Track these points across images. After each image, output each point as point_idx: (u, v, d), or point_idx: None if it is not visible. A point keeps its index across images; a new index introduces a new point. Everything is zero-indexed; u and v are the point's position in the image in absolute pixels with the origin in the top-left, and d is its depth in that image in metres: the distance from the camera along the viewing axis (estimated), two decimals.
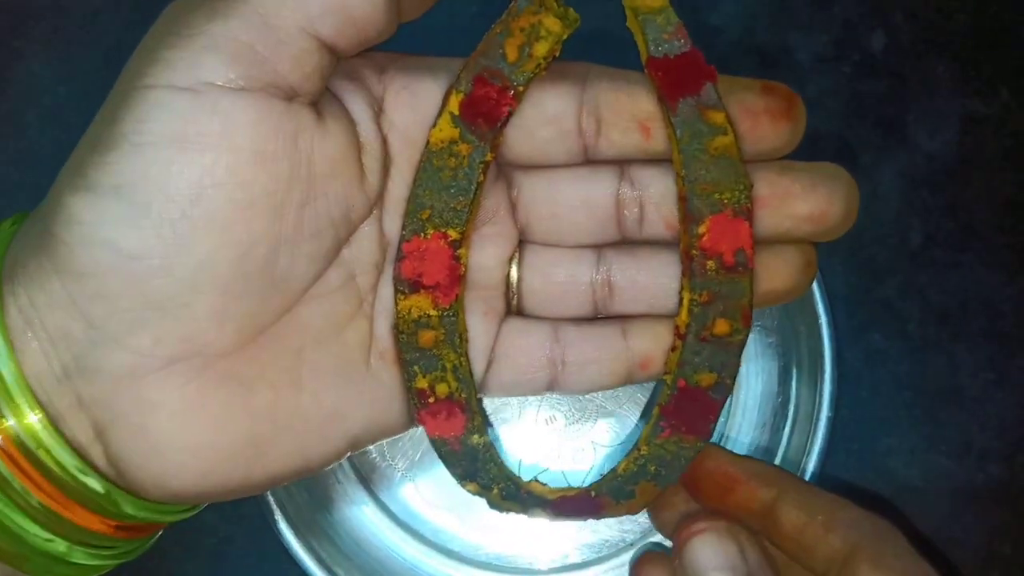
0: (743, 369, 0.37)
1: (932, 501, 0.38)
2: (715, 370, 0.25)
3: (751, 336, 0.37)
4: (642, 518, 0.36)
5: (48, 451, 0.22)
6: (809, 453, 0.35)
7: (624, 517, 0.36)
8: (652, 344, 0.26)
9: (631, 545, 0.37)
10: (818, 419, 0.35)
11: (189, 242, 0.21)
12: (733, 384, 0.25)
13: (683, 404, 0.25)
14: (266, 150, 0.22)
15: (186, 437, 0.22)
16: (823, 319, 0.36)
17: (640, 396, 0.37)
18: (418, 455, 0.37)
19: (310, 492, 0.37)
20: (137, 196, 0.21)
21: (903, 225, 0.40)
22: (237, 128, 0.21)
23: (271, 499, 0.35)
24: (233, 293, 0.22)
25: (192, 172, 0.21)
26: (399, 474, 0.37)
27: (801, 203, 0.24)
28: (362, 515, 0.37)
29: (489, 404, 0.37)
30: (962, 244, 0.40)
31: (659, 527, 0.28)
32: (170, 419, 0.22)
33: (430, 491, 0.37)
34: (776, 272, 0.25)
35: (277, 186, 0.22)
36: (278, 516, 0.35)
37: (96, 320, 0.21)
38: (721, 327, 0.25)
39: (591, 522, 0.37)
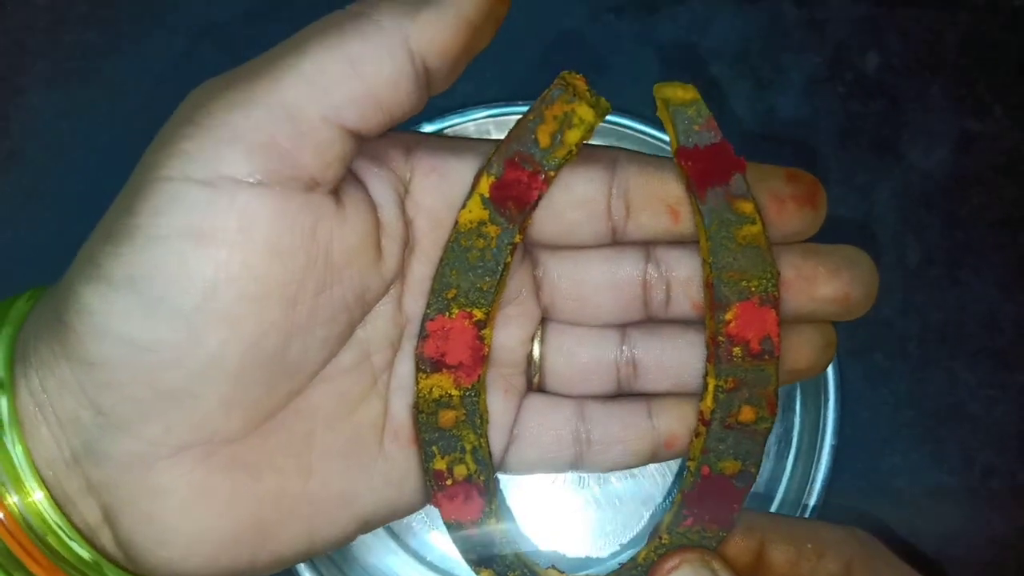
0: None
1: (935, 519, 0.38)
2: (739, 458, 0.25)
3: None
4: None
5: (47, 525, 0.22)
6: (813, 481, 0.35)
7: (629, 545, 0.36)
8: (678, 423, 0.26)
9: None
10: (821, 448, 0.35)
11: (201, 335, 0.21)
12: (757, 473, 0.25)
13: (707, 492, 0.25)
14: (282, 245, 0.21)
15: (193, 523, 0.22)
16: None
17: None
18: None
19: None
20: (150, 289, 0.20)
21: (900, 244, 0.40)
22: (254, 224, 0.21)
23: None
24: (243, 383, 0.22)
25: (207, 267, 0.21)
26: (421, 513, 0.37)
27: (825, 286, 0.24)
28: (387, 559, 0.37)
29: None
30: (959, 261, 0.40)
31: None
32: (177, 506, 0.22)
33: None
34: (798, 353, 0.25)
35: (292, 277, 0.22)
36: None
37: (105, 408, 0.21)
38: (747, 414, 0.25)
39: (596, 549, 0.36)
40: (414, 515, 0.36)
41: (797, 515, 0.35)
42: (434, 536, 0.37)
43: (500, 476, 0.26)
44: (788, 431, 0.37)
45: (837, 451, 0.36)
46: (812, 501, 0.35)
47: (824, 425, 0.35)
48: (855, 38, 0.41)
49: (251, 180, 0.21)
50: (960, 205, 0.40)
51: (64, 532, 0.22)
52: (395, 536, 0.37)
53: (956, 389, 0.39)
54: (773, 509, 0.36)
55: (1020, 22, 0.41)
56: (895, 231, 0.40)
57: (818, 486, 0.35)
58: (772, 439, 0.37)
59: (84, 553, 0.22)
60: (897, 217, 0.40)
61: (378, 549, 0.37)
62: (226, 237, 0.21)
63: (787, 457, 0.37)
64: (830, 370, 0.36)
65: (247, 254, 0.21)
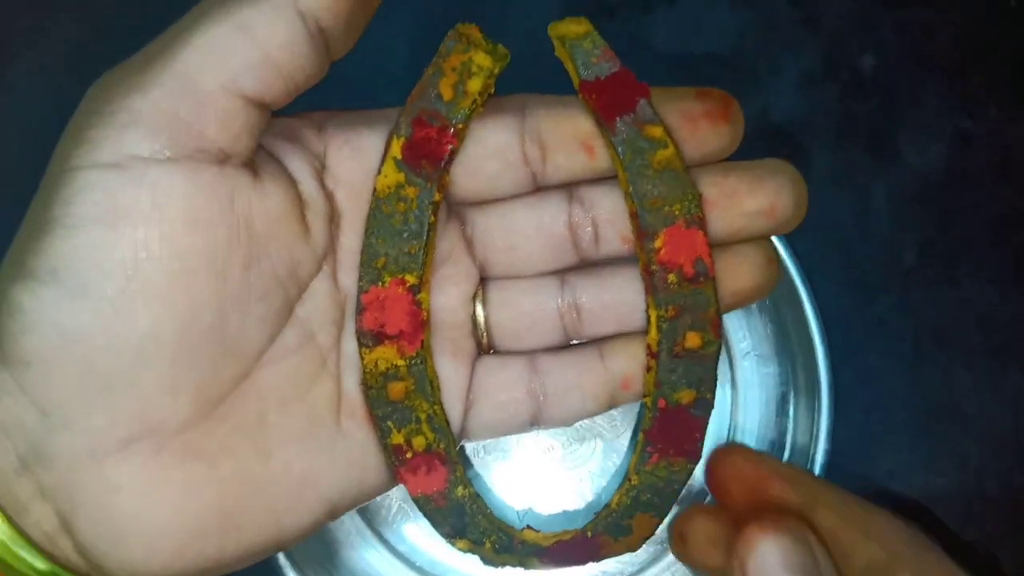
0: (740, 399, 0.37)
1: (930, 520, 0.38)
2: (693, 386, 0.25)
3: (748, 365, 0.37)
4: (642, 551, 0.36)
5: (2, 543, 0.21)
6: None
7: None
8: (631, 362, 0.26)
9: None
10: (815, 450, 0.35)
11: (130, 317, 0.21)
12: (713, 399, 0.25)
13: (666, 426, 0.25)
14: (200, 217, 0.21)
15: (151, 518, 0.22)
16: (819, 348, 0.35)
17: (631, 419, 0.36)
18: None
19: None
20: (73, 278, 0.20)
21: (895, 243, 0.40)
22: (168, 199, 0.21)
23: None
24: (183, 364, 0.22)
25: (125, 248, 0.20)
26: (398, 507, 0.37)
27: (749, 199, 0.24)
28: (367, 555, 0.37)
29: (475, 446, 0.37)
30: (955, 260, 0.40)
31: (682, 555, 0.26)
32: (133, 501, 0.21)
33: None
34: (739, 272, 0.25)
35: (216, 251, 0.21)
36: (283, 563, 0.35)
37: (47, 407, 0.21)
38: (692, 340, 0.24)
39: None
40: (404, 520, 0.37)
41: None
42: (425, 541, 0.37)
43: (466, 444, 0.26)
44: (782, 433, 0.37)
45: (831, 452, 0.35)
46: None
47: (818, 426, 0.35)
48: (850, 37, 0.41)
49: (159, 157, 0.21)
50: (956, 203, 0.40)
51: (16, 544, 0.21)
52: (384, 540, 0.37)
53: (951, 390, 0.39)
54: None
55: (1016, 20, 0.41)
56: (890, 230, 0.40)
57: None
58: (766, 442, 0.37)
59: (39, 564, 0.21)
60: (892, 216, 0.40)
61: (369, 554, 0.37)
62: (140, 215, 0.20)
63: (781, 459, 0.36)
64: (823, 370, 0.35)
65: (164, 229, 0.21)
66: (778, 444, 0.37)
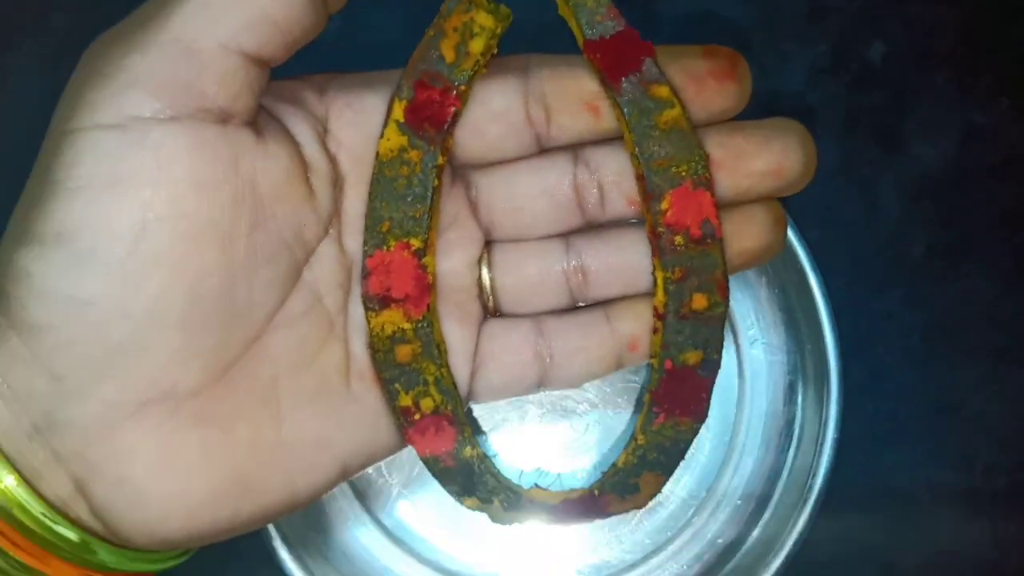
0: (748, 387, 0.37)
1: (937, 515, 0.38)
2: (700, 347, 0.25)
3: (756, 354, 0.37)
4: (646, 538, 0.36)
5: (22, 507, 0.21)
6: (814, 475, 0.34)
7: (626, 539, 0.36)
8: (637, 324, 0.26)
9: (632, 566, 0.36)
10: (823, 442, 0.35)
11: (139, 280, 0.21)
12: (720, 359, 0.25)
13: (673, 386, 0.25)
14: (205, 178, 0.21)
15: (167, 482, 0.22)
16: (829, 338, 0.35)
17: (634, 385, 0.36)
18: (415, 471, 0.37)
19: (305, 512, 0.36)
20: (80, 241, 0.20)
21: (904, 236, 0.39)
22: (172, 159, 0.21)
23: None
24: (193, 328, 0.22)
25: (132, 209, 0.20)
26: (396, 491, 0.37)
27: (757, 160, 0.24)
28: (361, 536, 0.37)
29: (483, 412, 0.36)
30: (964, 255, 0.39)
31: None
32: (148, 466, 0.22)
33: (429, 511, 0.37)
34: (746, 232, 0.25)
35: (222, 213, 0.21)
36: (275, 539, 0.34)
37: (59, 373, 0.21)
38: (699, 302, 0.24)
39: (591, 543, 0.36)
40: (400, 499, 0.36)
41: (800, 509, 0.35)
42: (419, 524, 0.36)
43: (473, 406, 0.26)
44: (790, 423, 0.36)
45: (839, 445, 0.35)
46: (812, 497, 0.34)
47: (826, 418, 0.35)
48: (860, 27, 0.40)
49: (161, 116, 0.20)
50: (965, 197, 0.39)
51: (45, 515, 0.21)
52: (377, 520, 0.37)
53: (959, 385, 0.38)
54: (773, 502, 0.35)
55: None
56: (898, 224, 0.39)
57: (819, 480, 0.34)
58: (773, 431, 0.37)
59: (70, 534, 0.22)
60: (900, 209, 0.39)
61: (361, 533, 0.36)
62: (146, 176, 0.20)
63: (788, 449, 0.36)
64: (832, 363, 0.35)
65: (170, 191, 0.21)
66: (786, 433, 0.36)
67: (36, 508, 0.21)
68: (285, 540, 0.34)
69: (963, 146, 0.40)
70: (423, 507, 0.36)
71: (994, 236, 0.39)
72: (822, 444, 0.35)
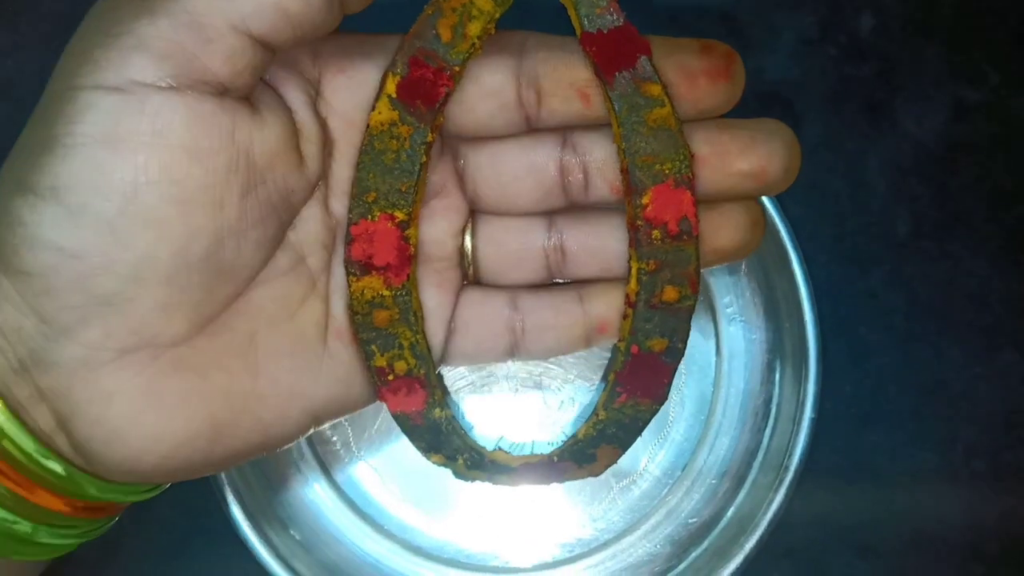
0: (725, 365, 0.36)
1: (917, 497, 0.37)
2: (666, 336, 0.25)
3: (735, 332, 0.36)
4: (619, 518, 0.36)
5: (11, 439, 0.22)
6: (791, 455, 0.34)
7: (600, 517, 0.36)
8: (608, 308, 0.26)
9: (605, 544, 0.36)
10: (800, 421, 0.34)
11: (127, 239, 0.21)
12: (684, 348, 0.26)
13: (637, 369, 0.26)
14: (200, 147, 0.22)
15: (144, 424, 0.23)
16: (808, 316, 0.35)
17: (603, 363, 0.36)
18: (385, 446, 0.36)
19: (269, 480, 0.36)
20: (73, 197, 0.21)
21: (890, 214, 0.39)
22: (168, 126, 0.21)
23: (228, 492, 0.34)
24: (178, 285, 0.22)
25: (125, 171, 0.21)
26: (359, 462, 0.36)
27: (741, 160, 0.24)
28: (323, 506, 0.36)
29: (454, 377, 0.37)
30: (950, 234, 0.39)
31: None
32: (127, 408, 0.22)
33: (396, 485, 0.36)
34: (723, 231, 0.25)
35: (215, 180, 0.22)
36: (234, 507, 0.34)
37: (46, 316, 0.22)
38: (670, 294, 0.25)
39: (565, 521, 0.36)
40: (355, 462, 0.36)
41: (775, 489, 0.34)
42: (376, 489, 0.36)
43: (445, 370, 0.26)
44: (767, 402, 0.36)
45: (816, 425, 0.35)
46: (788, 476, 0.34)
47: (804, 397, 0.35)
48: None
49: (161, 84, 0.21)
50: (953, 175, 0.39)
51: (36, 450, 0.22)
52: (333, 481, 0.36)
53: (941, 366, 0.38)
54: (749, 481, 0.35)
55: None
56: (885, 200, 0.39)
57: (795, 460, 0.34)
58: (751, 410, 0.36)
59: (57, 467, 0.23)
60: (888, 186, 0.39)
61: (312, 492, 0.36)
62: (141, 140, 0.21)
63: (765, 429, 0.36)
64: (811, 341, 0.35)
65: (164, 157, 0.21)
66: (763, 412, 0.36)
67: (23, 440, 0.22)
68: (246, 511, 0.34)
69: (953, 122, 0.39)
70: (392, 484, 0.36)
71: (982, 214, 0.39)
72: (799, 423, 0.34)
